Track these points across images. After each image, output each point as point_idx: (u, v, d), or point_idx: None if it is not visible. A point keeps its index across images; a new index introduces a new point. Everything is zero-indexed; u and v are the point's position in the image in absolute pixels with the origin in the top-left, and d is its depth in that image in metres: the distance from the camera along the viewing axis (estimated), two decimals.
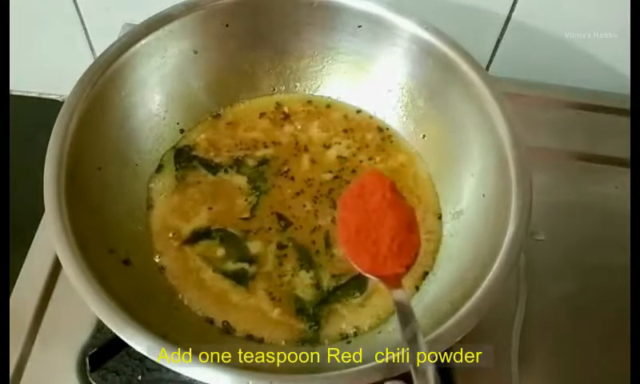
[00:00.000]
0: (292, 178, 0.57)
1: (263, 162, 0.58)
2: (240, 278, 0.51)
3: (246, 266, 0.51)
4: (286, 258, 0.52)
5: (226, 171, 0.57)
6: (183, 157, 0.57)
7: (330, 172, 0.58)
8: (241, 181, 0.56)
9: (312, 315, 0.49)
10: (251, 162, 0.58)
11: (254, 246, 0.53)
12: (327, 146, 0.59)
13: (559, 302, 0.57)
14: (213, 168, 0.57)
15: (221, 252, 0.52)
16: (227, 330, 0.48)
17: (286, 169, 0.58)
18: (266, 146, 0.59)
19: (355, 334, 0.49)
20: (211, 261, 0.51)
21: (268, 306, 0.49)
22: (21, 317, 0.52)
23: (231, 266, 0.51)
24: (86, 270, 0.40)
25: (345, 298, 0.50)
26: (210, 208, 0.54)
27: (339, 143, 0.60)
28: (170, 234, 0.52)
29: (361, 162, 0.59)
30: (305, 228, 0.54)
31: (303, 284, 0.51)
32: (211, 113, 0.60)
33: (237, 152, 0.58)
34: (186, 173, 0.56)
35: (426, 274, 0.52)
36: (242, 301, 0.50)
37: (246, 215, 0.54)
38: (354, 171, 0.58)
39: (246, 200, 0.55)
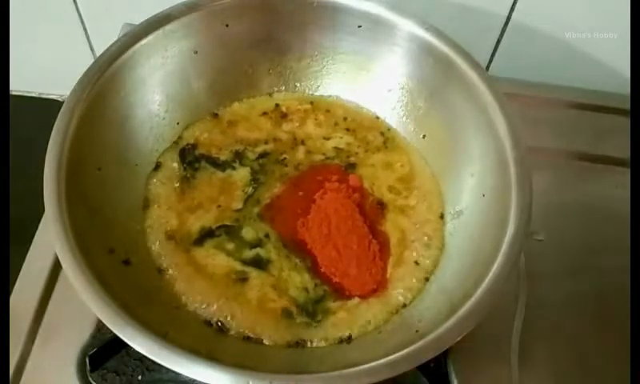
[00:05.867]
0: (286, 165, 0.58)
1: (263, 155, 0.58)
2: (259, 263, 0.51)
3: (260, 250, 0.52)
4: (279, 251, 0.52)
5: (233, 168, 0.57)
6: (188, 157, 0.57)
7: (324, 154, 0.59)
8: (244, 173, 0.57)
9: (311, 313, 0.49)
10: (251, 155, 0.58)
11: (247, 232, 0.53)
12: (327, 139, 0.60)
13: (559, 302, 0.57)
14: (220, 165, 0.57)
15: (231, 245, 0.52)
16: (224, 329, 0.48)
17: (282, 157, 0.58)
18: (266, 143, 0.59)
19: (355, 334, 0.48)
20: (228, 253, 0.52)
21: (270, 300, 0.49)
22: (21, 317, 0.52)
23: (248, 253, 0.52)
24: (86, 270, 0.40)
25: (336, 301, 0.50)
26: (219, 206, 0.54)
27: (341, 138, 0.60)
28: (172, 234, 0.52)
29: (357, 153, 0.59)
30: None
31: (294, 285, 0.51)
32: (211, 112, 0.60)
33: (237, 146, 0.59)
34: (194, 173, 0.56)
35: (426, 273, 0.52)
36: (247, 296, 0.49)
37: (239, 206, 0.54)
38: (348, 157, 0.59)
39: (243, 191, 0.55)
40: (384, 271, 0.52)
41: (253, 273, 0.51)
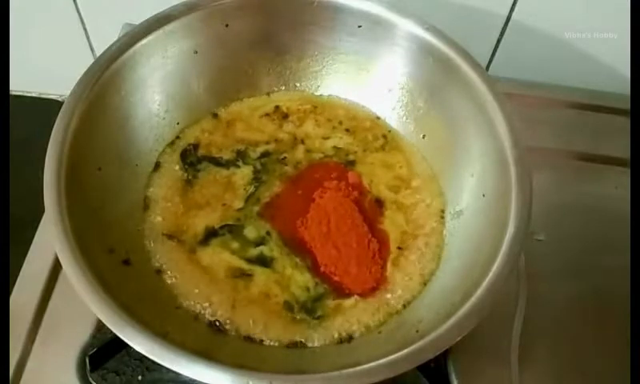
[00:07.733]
0: (286, 164, 0.58)
1: (265, 154, 0.58)
2: (263, 261, 0.51)
3: (263, 248, 0.52)
4: (280, 250, 0.52)
5: (237, 166, 0.57)
6: (190, 157, 0.57)
7: (323, 153, 0.59)
8: (247, 171, 0.57)
9: (310, 310, 0.49)
10: (253, 154, 0.58)
11: (250, 231, 0.53)
12: (326, 138, 0.60)
13: (559, 302, 0.57)
14: (224, 165, 0.57)
15: (235, 244, 0.52)
16: (224, 329, 0.48)
17: (283, 157, 0.58)
18: (267, 143, 0.59)
19: (356, 334, 0.48)
20: (233, 251, 0.52)
21: (273, 295, 0.50)
22: (21, 317, 0.52)
23: (253, 251, 0.52)
24: (86, 270, 0.40)
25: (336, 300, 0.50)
26: (224, 204, 0.54)
27: (340, 138, 0.60)
28: (173, 234, 0.52)
29: (356, 152, 0.59)
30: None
31: (296, 283, 0.51)
32: (211, 112, 0.60)
33: (238, 146, 0.59)
34: (195, 173, 0.56)
35: (426, 273, 0.52)
36: (250, 293, 0.49)
37: (241, 205, 0.54)
38: (347, 155, 0.59)
39: (244, 190, 0.56)
40: (383, 269, 0.52)
41: (257, 270, 0.51)
